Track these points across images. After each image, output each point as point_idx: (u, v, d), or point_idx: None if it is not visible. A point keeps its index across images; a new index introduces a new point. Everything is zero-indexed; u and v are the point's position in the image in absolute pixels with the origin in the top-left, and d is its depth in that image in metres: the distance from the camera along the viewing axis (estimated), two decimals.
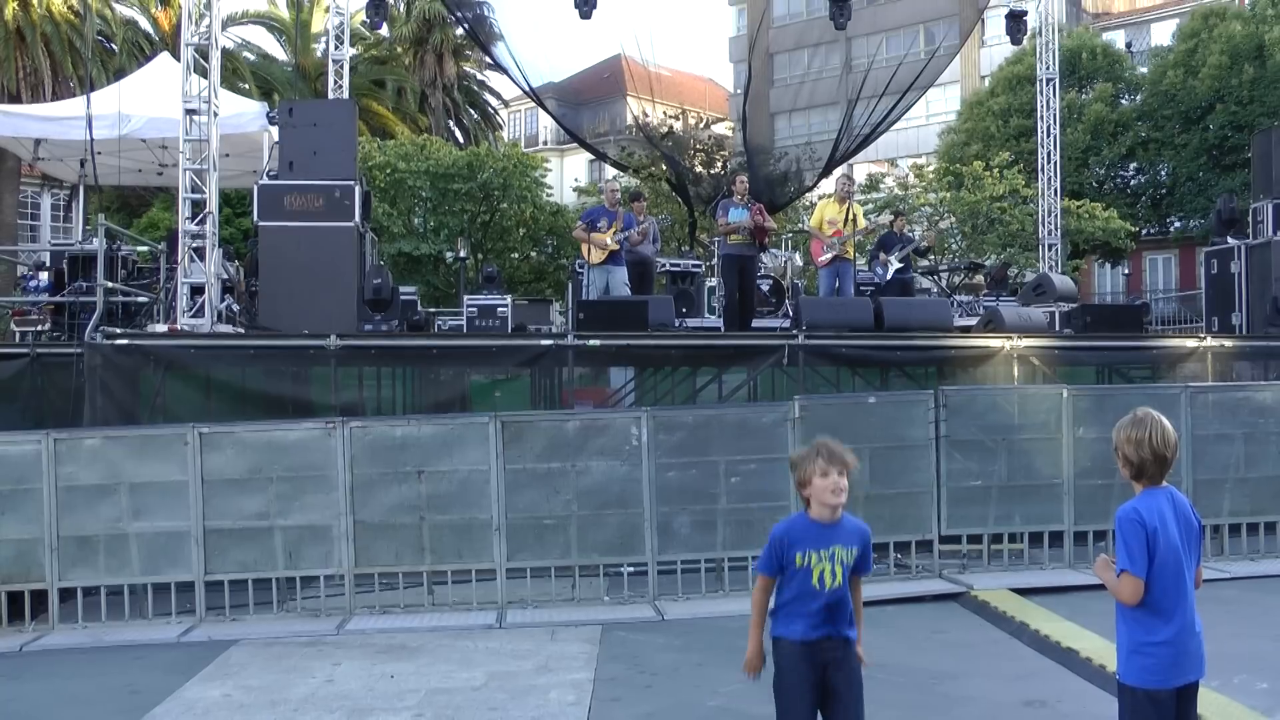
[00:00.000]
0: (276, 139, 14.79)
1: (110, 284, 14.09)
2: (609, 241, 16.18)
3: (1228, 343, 14.92)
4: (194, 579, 10.48)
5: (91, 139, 15.30)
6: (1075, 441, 11.62)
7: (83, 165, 16.62)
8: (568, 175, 58.72)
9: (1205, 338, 14.83)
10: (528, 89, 26.80)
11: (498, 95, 47.67)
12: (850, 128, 25.68)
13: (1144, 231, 39.38)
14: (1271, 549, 12.08)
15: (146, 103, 16.89)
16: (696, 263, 19.40)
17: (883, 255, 18.24)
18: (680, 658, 8.89)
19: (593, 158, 56.35)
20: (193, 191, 13.71)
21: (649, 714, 7.42)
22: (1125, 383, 14.81)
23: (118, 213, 29.45)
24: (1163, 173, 39.45)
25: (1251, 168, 18.75)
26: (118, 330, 12.59)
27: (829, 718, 5.10)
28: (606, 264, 16.42)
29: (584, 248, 16.59)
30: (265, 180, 14.46)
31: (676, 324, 15.42)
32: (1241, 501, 12.07)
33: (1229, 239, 17.29)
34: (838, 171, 25.58)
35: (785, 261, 18.81)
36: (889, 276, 17.91)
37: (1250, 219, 17.08)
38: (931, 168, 37.83)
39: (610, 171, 38.70)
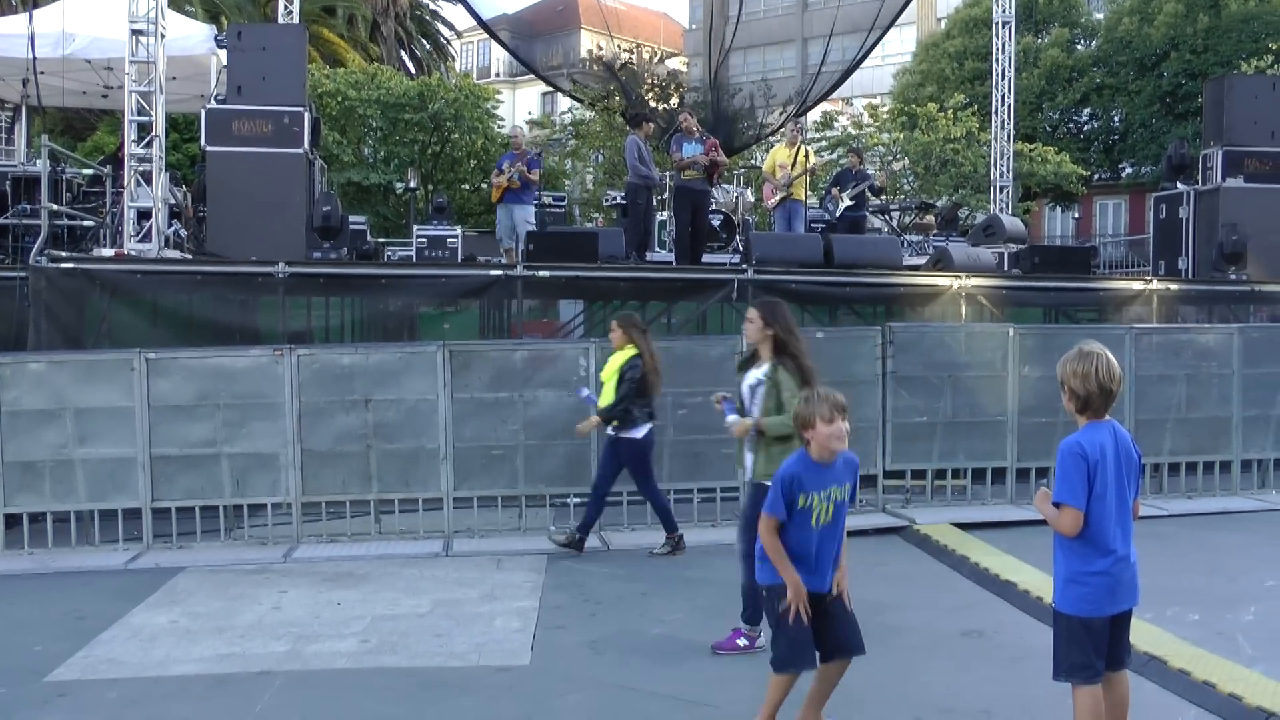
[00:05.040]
0: (225, 63, 14.56)
1: (55, 207, 13.87)
2: (501, 181, 17.30)
3: (1173, 286, 15.11)
4: (141, 506, 10.47)
5: (34, 58, 14.94)
6: (1020, 380, 11.77)
7: (25, 85, 16.26)
8: (520, 107, 58.27)
9: (1151, 280, 15.01)
10: (480, 20, 26.55)
11: (450, 25, 47.08)
12: (807, 69, 25.64)
13: (1095, 176, 39.57)
14: (1209, 487, 12.31)
15: (91, 22, 16.48)
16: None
17: (835, 191, 18.25)
18: (625, 587, 8.97)
19: (546, 90, 55.98)
20: (139, 114, 13.48)
21: (593, 641, 7.49)
22: (1071, 323, 14.95)
23: (62, 135, 28.85)
24: (1116, 119, 39.60)
25: (1203, 115, 18.89)
26: (63, 254, 12.41)
27: (828, 637, 5.45)
28: (505, 201, 17.59)
29: (492, 191, 17.73)
30: (213, 104, 14.26)
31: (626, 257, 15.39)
32: (1182, 441, 12.30)
33: (1178, 184, 17.42)
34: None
35: (737, 197, 18.79)
36: (839, 213, 17.93)
37: (1200, 165, 17.21)
38: (886, 108, 37.80)
39: (563, 104, 38.42)
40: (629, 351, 9.74)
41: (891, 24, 27.28)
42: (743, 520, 6.97)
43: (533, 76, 48.13)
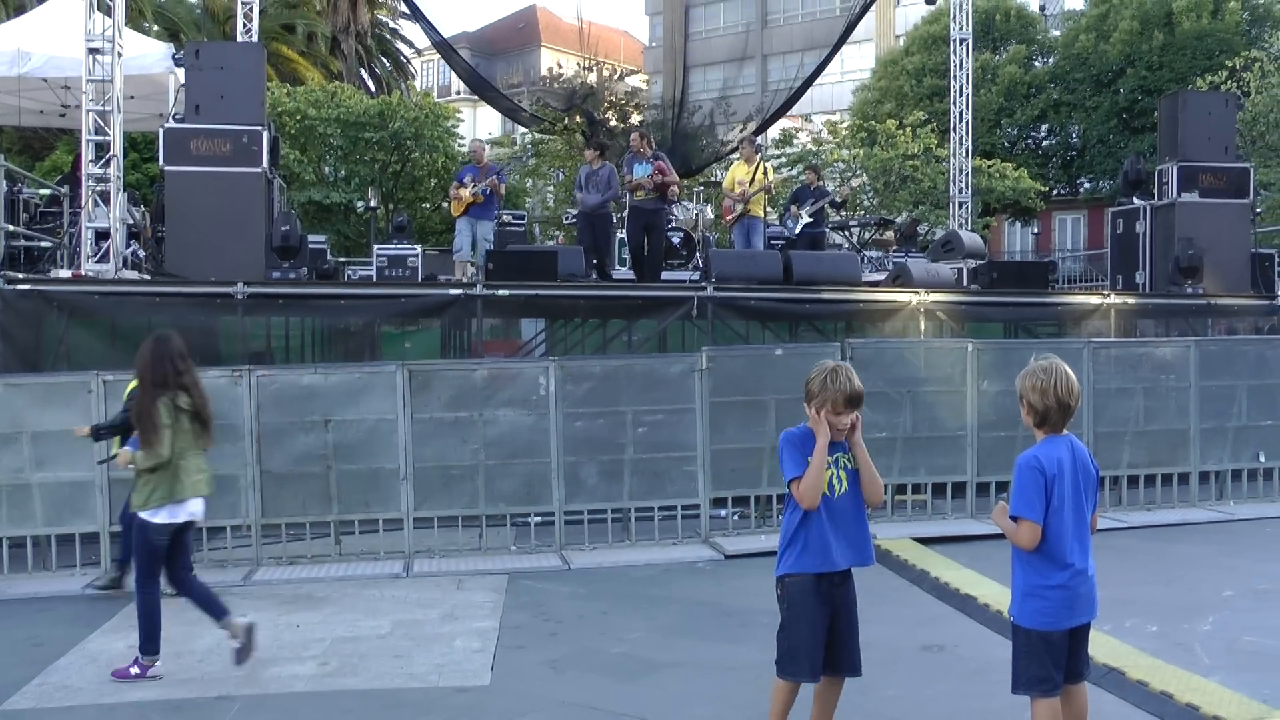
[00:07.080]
0: (183, 82, 14.50)
1: (11, 227, 13.76)
2: (465, 195, 17.26)
3: (1130, 300, 15.27)
4: (99, 530, 10.34)
5: None
6: (979, 394, 11.82)
7: None
8: (481, 126, 58.18)
9: (1109, 295, 15.13)
10: (440, 40, 26.58)
11: (410, 44, 47.07)
12: (767, 86, 25.80)
13: (1054, 192, 39.87)
14: (1167, 499, 12.39)
15: (47, 41, 16.37)
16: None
17: (794, 208, 18.29)
18: (585, 606, 8.94)
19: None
20: (96, 133, 13.42)
21: (553, 661, 7.46)
22: (1030, 338, 15.05)
23: (20, 155, 28.64)
24: (1073, 135, 40.00)
25: (1158, 131, 19.09)
26: (20, 275, 12.31)
27: (830, 653, 5.30)
28: (468, 216, 17.48)
29: (452, 205, 17.68)
30: (171, 124, 14.20)
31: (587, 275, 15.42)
32: (1140, 453, 12.36)
33: (1135, 199, 17.59)
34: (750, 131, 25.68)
35: (696, 214, 18.83)
36: (798, 230, 17.97)
37: (1156, 180, 17.39)
38: (845, 124, 37.99)
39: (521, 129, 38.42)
40: None
41: (843, 41, 27.44)
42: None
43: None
